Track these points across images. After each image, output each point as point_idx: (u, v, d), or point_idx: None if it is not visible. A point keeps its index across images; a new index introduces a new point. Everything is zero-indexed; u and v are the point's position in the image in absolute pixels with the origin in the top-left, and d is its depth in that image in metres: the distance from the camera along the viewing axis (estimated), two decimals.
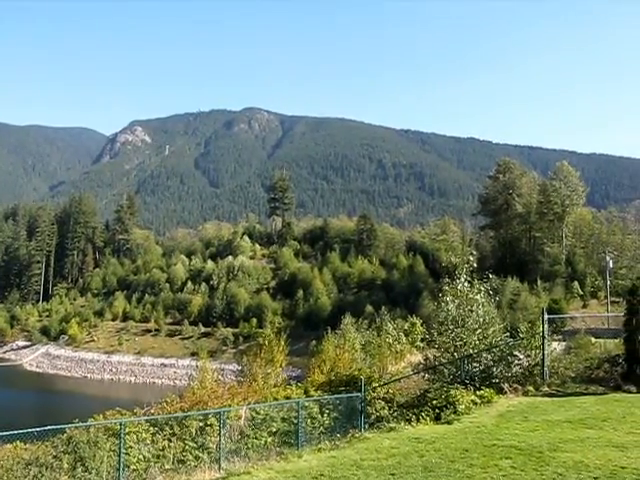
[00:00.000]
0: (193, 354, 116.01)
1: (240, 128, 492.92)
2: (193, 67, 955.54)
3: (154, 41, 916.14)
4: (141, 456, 16.12)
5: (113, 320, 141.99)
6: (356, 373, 25.67)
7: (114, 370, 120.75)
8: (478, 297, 25.57)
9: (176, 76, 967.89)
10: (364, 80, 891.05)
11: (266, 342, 32.65)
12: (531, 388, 22.58)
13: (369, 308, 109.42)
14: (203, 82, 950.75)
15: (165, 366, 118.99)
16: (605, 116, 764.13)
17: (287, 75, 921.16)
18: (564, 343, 29.57)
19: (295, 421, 18.26)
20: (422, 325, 43.78)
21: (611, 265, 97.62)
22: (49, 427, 14.00)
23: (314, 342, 75.63)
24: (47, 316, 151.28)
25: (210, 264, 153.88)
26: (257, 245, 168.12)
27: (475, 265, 27.46)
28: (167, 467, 15.71)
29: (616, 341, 25.86)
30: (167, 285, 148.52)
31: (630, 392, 21.76)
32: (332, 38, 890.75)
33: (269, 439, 18.11)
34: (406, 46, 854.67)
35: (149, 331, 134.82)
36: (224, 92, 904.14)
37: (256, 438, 18.03)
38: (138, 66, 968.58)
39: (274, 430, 18.56)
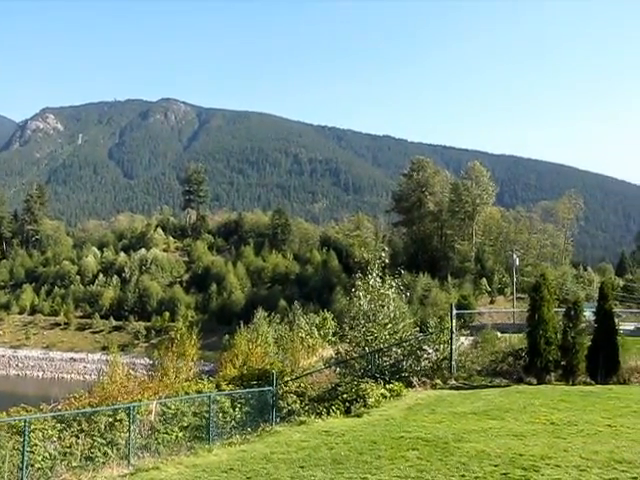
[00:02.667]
0: (104, 348, 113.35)
1: (156, 119, 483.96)
2: (109, 55, 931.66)
3: (68, 26, 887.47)
4: (47, 454, 15.70)
5: (20, 313, 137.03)
6: (268, 367, 25.74)
7: (20, 365, 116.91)
8: (389, 292, 26.03)
9: (91, 63, 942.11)
10: (282, 75, 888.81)
11: (178, 336, 32.33)
12: (439, 381, 23.16)
13: (282, 302, 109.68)
14: (119, 71, 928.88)
15: (75, 361, 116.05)
16: (515, 118, 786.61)
17: (205, 67, 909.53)
18: (471, 338, 30.36)
19: (206, 415, 18.20)
20: (334, 320, 44.26)
21: (517, 263, 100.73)
22: None
23: (227, 336, 75.21)
24: None
25: (122, 256, 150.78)
26: (171, 238, 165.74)
27: (387, 261, 27.92)
28: (74, 464, 15.33)
29: (520, 336, 26.75)
30: (78, 278, 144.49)
31: (531, 384, 22.66)
32: (251, 32, 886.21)
33: (180, 434, 17.97)
34: (324, 43, 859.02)
35: (58, 325, 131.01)
36: (140, 82, 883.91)
37: (167, 433, 17.86)
38: (51, 51, 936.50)
39: (185, 425, 18.43)
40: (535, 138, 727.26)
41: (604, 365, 23.12)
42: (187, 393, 21.63)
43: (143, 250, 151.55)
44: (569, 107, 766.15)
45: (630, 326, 38.53)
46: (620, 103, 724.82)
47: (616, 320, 25.73)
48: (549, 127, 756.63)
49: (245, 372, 26.56)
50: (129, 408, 16.39)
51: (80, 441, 16.47)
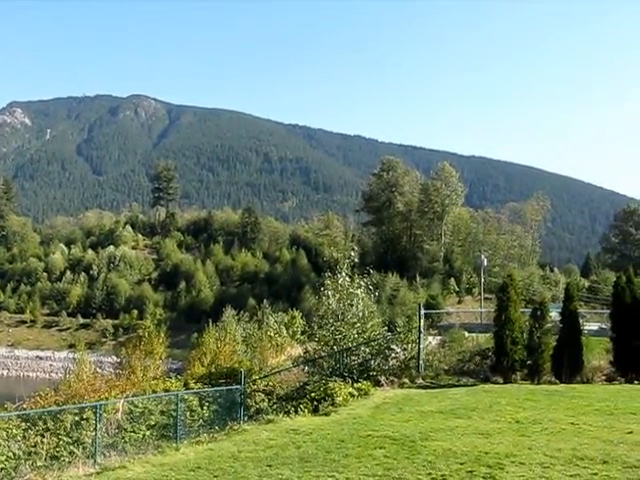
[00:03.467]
0: (71, 346, 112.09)
1: (126, 115, 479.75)
2: (78, 49, 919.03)
3: (36, 19, 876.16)
4: (10, 454, 15.52)
5: None
6: (237, 366, 25.74)
7: None
8: (358, 292, 26.14)
9: (60, 58, 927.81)
10: (253, 74, 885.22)
11: (146, 334, 32.22)
12: (407, 380, 23.33)
13: (251, 301, 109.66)
14: (88, 66, 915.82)
15: (41, 359, 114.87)
16: (486, 120, 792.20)
17: (176, 64, 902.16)
18: (439, 337, 30.62)
19: (174, 414, 18.12)
20: (303, 318, 44.33)
21: (485, 263, 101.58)
22: None
23: (195, 334, 75.02)
24: None
25: (90, 254, 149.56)
26: (140, 235, 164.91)
27: (356, 260, 28.08)
28: (39, 464, 15.15)
29: (487, 335, 27.03)
30: (45, 275, 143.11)
31: (497, 383, 22.94)
32: (222, 30, 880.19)
33: (147, 432, 17.87)
34: (295, 42, 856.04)
35: (24, 322, 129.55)
36: (110, 77, 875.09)
37: (134, 432, 17.75)
38: (19, 44, 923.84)
39: (152, 423, 18.32)
40: (504, 140, 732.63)
41: (569, 365, 23.49)
42: (155, 391, 21.54)
43: (111, 247, 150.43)
44: (538, 110, 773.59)
45: (594, 326, 38.95)
46: (585, 108, 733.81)
47: (581, 320, 26.15)
48: (518, 129, 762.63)
49: (213, 370, 26.54)
50: (96, 407, 16.22)
51: (45, 440, 16.30)
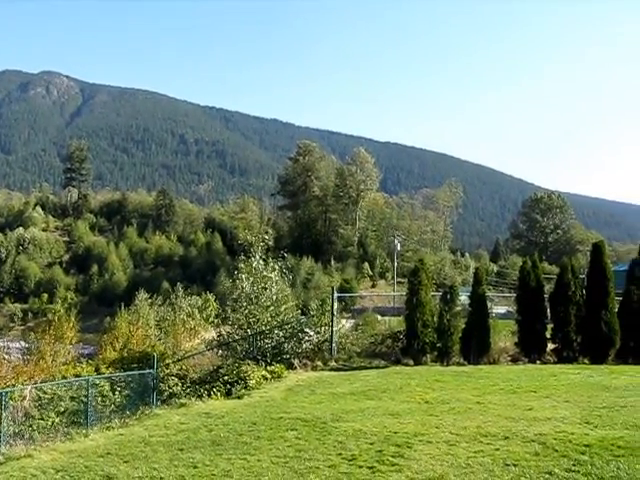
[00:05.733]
0: None
1: (37, 92, 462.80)
2: None
3: None
4: None
5: None
6: (149, 350, 25.48)
7: None
8: (272, 275, 26.21)
9: None
10: (170, 54, 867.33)
11: (56, 318, 31.53)
12: (320, 363, 23.57)
13: (165, 284, 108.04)
14: None
15: None
16: (402, 107, 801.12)
17: (89, 41, 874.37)
18: (353, 320, 31.05)
19: (85, 400, 17.82)
20: (217, 302, 44.16)
21: (399, 248, 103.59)
22: None
23: (108, 318, 73.65)
24: None
25: None
26: (50, 217, 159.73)
27: (271, 244, 28.15)
28: None
29: (399, 319, 27.53)
30: None
31: (408, 365, 23.46)
32: (137, 8, 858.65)
33: (57, 419, 17.50)
34: (212, 25, 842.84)
35: None
36: (20, 52, 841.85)
37: (42, 419, 17.37)
38: None
39: (62, 410, 17.98)
40: (420, 128, 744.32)
41: (476, 347, 24.21)
42: (65, 377, 21.14)
43: (20, 229, 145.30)
44: (451, 99, 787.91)
45: (502, 310, 40.27)
46: (495, 98, 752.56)
47: (489, 304, 26.93)
48: (433, 118, 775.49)
49: (126, 355, 26.22)
50: (0, 394, 15.78)
51: None
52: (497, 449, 10.58)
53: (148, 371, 20.84)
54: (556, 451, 10.27)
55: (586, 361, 24.48)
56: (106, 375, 21.27)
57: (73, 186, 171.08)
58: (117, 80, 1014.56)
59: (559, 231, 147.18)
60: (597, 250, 26.42)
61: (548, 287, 28.03)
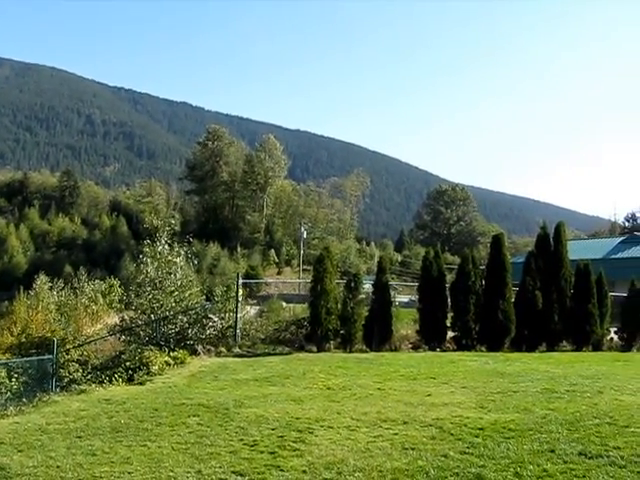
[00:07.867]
0: None
1: None
2: None
3: None
4: None
5: None
6: (49, 335, 24.79)
7: None
8: (177, 260, 25.96)
9: None
10: (76, 30, 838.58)
11: None
12: (224, 349, 23.47)
13: (68, 268, 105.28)
14: None
15: None
16: (311, 95, 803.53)
17: None
18: (258, 307, 31.10)
19: None
20: (121, 287, 43.38)
21: (305, 235, 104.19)
22: None
23: (6, 303, 71.18)
24: None
25: None
26: None
27: (177, 229, 27.86)
28: None
29: (304, 306, 27.71)
30: None
31: (312, 352, 23.66)
32: None
33: None
34: (122, 4, 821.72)
35: None
36: None
37: None
38: None
39: None
40: (328, 117, 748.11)
41: (379, 334, 24.65)
42: None
43: None
44: (363, 89, 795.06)
45: (405, 298, 41.20)
46: (404, 91, 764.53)
47: (393, 292, 27.46)
48: (343, 108, 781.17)
49: (24, 340, 25.45)
50: None
51: None
52: (396, 434, 10.82)
53: (47, 357, 20.26)
54: (452, 435, 10.60)
55: (484, 349, 25.37)
56: (2, 361, 20.58)
57: None
58: (21, 54, 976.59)
59: (462, 223, 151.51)
60: (497, 242, 27.40)
61: (450, 277, 28.81)
